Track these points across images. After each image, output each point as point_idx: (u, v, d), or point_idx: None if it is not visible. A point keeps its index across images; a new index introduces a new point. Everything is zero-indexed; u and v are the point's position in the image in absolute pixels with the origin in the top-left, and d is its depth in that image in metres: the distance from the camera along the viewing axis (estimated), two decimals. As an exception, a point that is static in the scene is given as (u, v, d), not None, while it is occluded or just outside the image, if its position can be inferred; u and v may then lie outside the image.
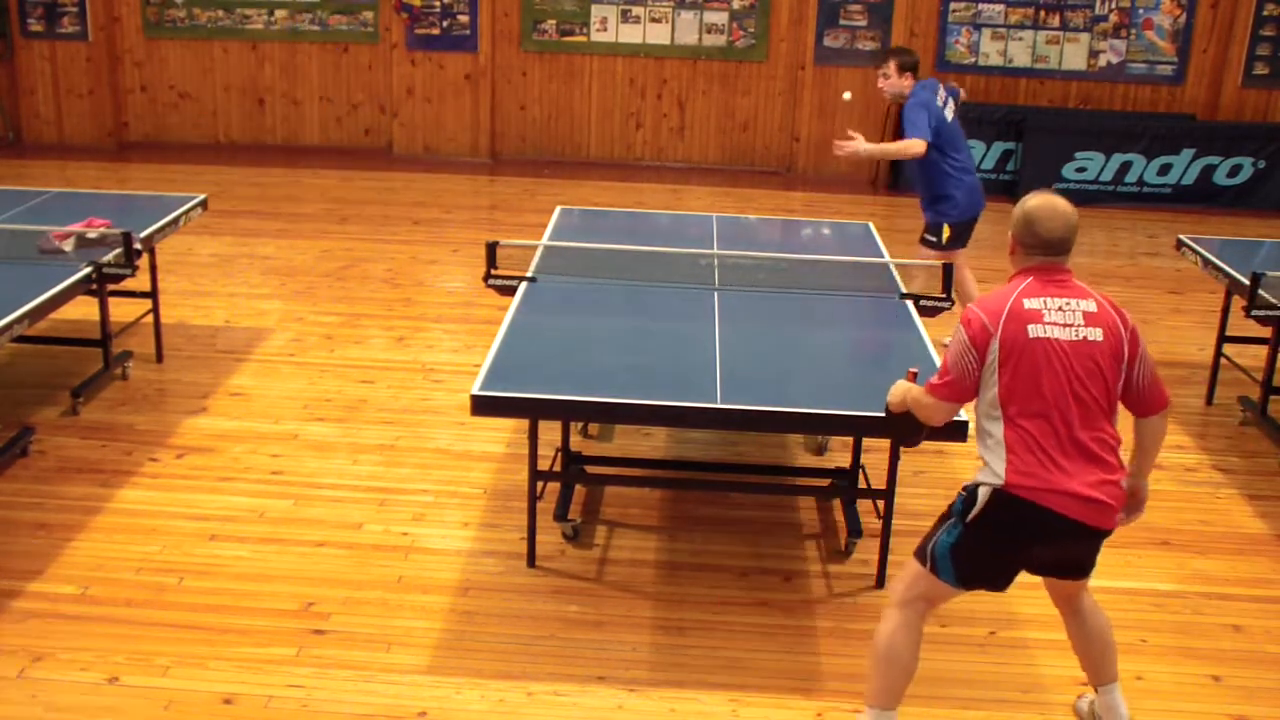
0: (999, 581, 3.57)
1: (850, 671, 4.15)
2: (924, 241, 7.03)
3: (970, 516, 3.41)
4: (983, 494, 3.39)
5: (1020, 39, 11.47)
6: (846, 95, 4.72)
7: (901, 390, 3.81)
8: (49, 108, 11.68)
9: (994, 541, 3.45)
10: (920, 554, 3.57)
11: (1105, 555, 4.98)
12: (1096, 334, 3.39)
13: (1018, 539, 3.43)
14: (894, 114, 10.93)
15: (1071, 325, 3.38)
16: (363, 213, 9.84)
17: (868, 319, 5.34)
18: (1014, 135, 11.11)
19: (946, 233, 6.94)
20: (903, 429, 3.90)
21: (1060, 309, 3.40)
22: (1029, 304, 3.40)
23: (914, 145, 6.61)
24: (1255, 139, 11.03)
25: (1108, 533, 3.46)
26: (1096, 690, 3.81)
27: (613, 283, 5.54)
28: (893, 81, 6.71)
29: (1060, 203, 3.48)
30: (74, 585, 4.45)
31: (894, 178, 11.36)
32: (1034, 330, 3.36)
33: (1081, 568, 3.58)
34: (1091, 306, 3.43)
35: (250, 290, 7.79)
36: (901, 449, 4.54)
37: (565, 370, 4.63)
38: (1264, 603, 4.70)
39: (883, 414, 3.93)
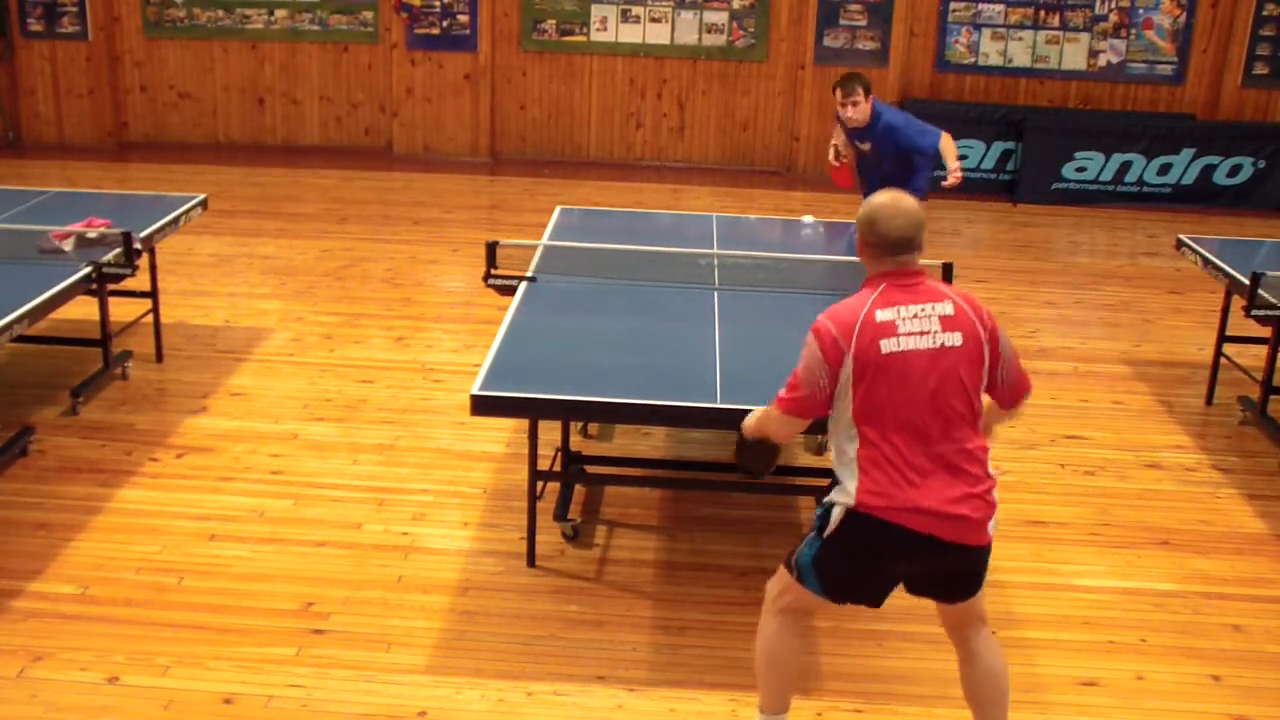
0: (867, 597, 3.43)
1: (850, 671, 4.15)
2: None
3: (826, 534, 3.32)
4: (836, 513, 3.29)
5: (1020, 39, 11.47)
6: (807, 219, 4.73)
7: (758, 414, 3.64)
8: (49, 108, 11.68)
9: (852, 558, 3.33)
10: (787, 563, 3.47)
11: (1105, 555, 5.01)
12: (955, 339, 3.26)
13: (877, 557, 3.31)
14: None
15: (928, 333, 3.24)
16: (363, 212, 9.84)
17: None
18: (1014, 135, 11.11)
19: None
20: (753, 456, 3.74)
21: (915, 316, 3.25)
22: (881, 315, 3.25)
23: (947, 139, 6.68)
24: (1255, 139, 11.03)
25: (980, 548, 3.30)
26: None
27: (613, 283, 5.54)
28: (862, 107, 6.57)
29: (905, 200, 3.41)
30: (74, 585, 4.45)
31: (894, 178, 11.37)
32: (887, 345, 3.22)
33: (958, 588, 3.40)
34: (948, 309, 3.29)
35: (250, 290, 7.79)
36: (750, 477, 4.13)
37: (565, 370, 4.63)
38: (1264, 603, 4.70)
39: (735, 440, 3.76)
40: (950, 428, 3.24)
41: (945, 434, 3.23)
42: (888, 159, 6.61)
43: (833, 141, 6.97)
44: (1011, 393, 3.44)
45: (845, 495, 3.27)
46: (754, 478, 4.04)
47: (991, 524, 3.29)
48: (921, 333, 3.24)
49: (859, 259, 3.49)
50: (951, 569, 3.36)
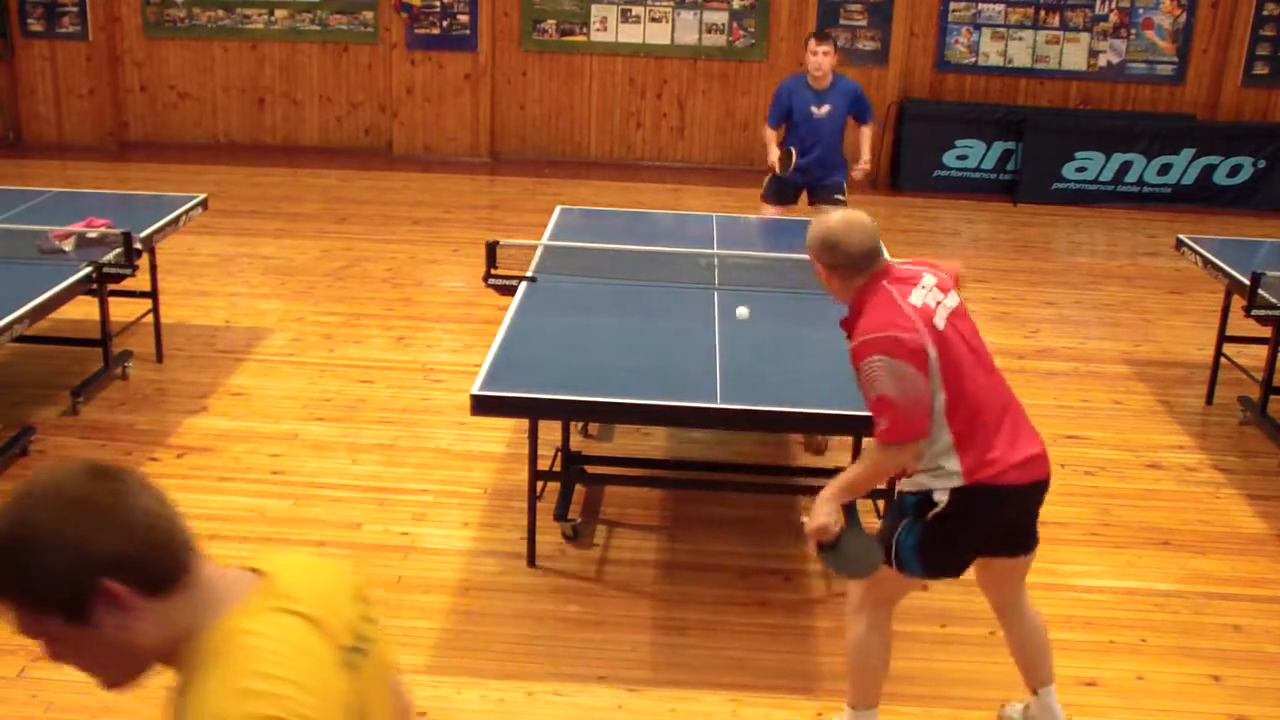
0: (962, 567, 3.52)
1: (850, 671, 4.15)
2: (840, 203, 7.23)
3: (932, 515, 3.33)
4: (941, 496, 3.30)
5: (1020, 39, 11.47)
6: (742, 311, 4.85)
7: (831, 493, 3.33)
8: (49, 108, 11.68)
9: (961, 531, 3.36)
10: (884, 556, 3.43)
11: (1105, 555, 5.01)
12: (953, 299, 3.37)
13: (984, 522, 3.38)
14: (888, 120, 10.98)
15: (941, 303, 3.32)
16: (363, 212, 9.84)
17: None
18: (1014, 135, 11.10)
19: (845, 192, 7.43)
20: (854, 554, 3.32)
21: (926, 290, 3.32)
22: (915, 300, 3.28)
23: (876, 128, 7.19)
24: (1255, 139, 11.03)
25: (1048, 480, 3.46)
26: (1035, 693, 3.75)
27: (613, 283, 5.54)
28: (832, 58, 7.10)
29: (854, 214, 3.41)
30: (74, 585, 4.44)
31: (894, 177, 11.37)
32: (939, 322, 3.28)
33: (1032, 530, 3.52)
34: (931, 278, 3.38)
35: (250, 290, 7.80)
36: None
37: (565, 370, 4.63)
38: (1264, 603, 4.70)
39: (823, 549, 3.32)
40: (990, 377, 3.36)
41: (990, 385, 3.35)
42: (833, 125, 7.13)
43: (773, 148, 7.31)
44: None
45: (948, 478, 3.29)
46: (864, 574, 3.45)
47: None
48: (938, 303, 3.31)
49: (827, 289, 3.46)
50: (1034, 511, 3.49)
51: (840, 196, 7.24)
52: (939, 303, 3.31)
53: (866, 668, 3.58)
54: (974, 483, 3.28)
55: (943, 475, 3.30)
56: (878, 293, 3.32)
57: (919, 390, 3.19)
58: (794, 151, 7.13)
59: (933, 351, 3.23)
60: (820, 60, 7.03)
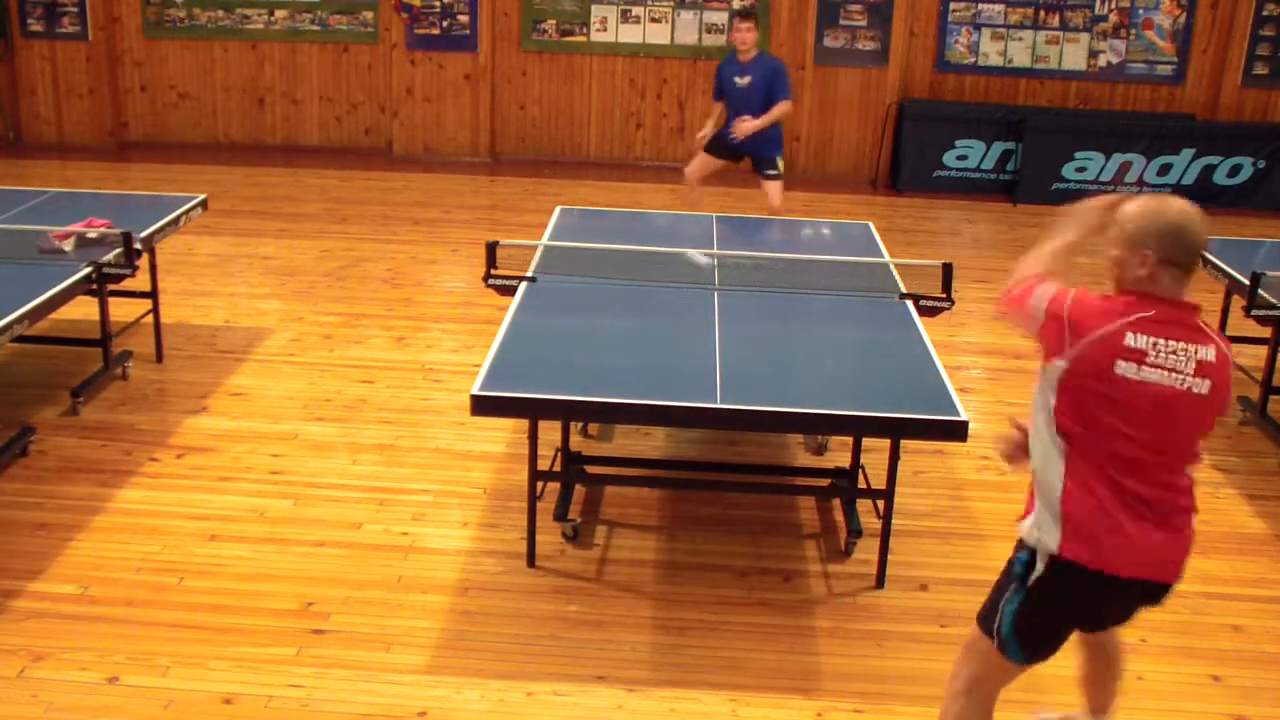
0: (1058, 647, 3.20)
1: (850, 671, 4.15)
2: (770, 176, 8.21)
3: (1033, 580, 3.06)
4: (1042, 560, 3.03)
5: (1020, 39, 11.47)
6: (698, 256, 5.06)
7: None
8: (49, 108, 11.68)
9: (1058, 609, 3.09)
10: (986, 629, 3.18)
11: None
12: (1204, 387, 2.91)
13: (1080, 606, 3.10)
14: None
15: (1179, 373, 2.89)
16: (363, 213, 9.84)
17: (868, 319, 5.34)
18: (1014, 135, 11.11)
19: (781, 164, 8.29)
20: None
21: (1174, 353, 2.89)
22: (1134, 341, 2.89)
23: (789, 105, 8.02)
24: (1255, 139, 11.04)
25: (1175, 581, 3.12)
26: (1092, 715, 3.65)
27: (613, 283, 5.54)
28: (754, 34, 8.00)
29: (1191, 206, 3.00)
30: (74, 585, 4.45)
31: (894, 177, 11.37)
32: (1124, 369, 2.88)
33: (1130, 616, 3.27)
34: (1210, 355, 2.93)
35: (250, 290, 7.80)
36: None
37: (565, 370, 4.63)
38: (1264, 603, 4.70)
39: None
40: (1166, 471, 2.98)
41: (1160, 474, 2.97)
42: (758, 97, 7.92)
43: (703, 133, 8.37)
44: None
45: (1050, 536, 3.00)
46: None
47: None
48: (1172, 370, 2.90)
49: (1134, 275, 2.97)
50: (1147, 604, 3.17)
51: (771, 171, 8.18)
52: (1173, 370, 2.89)
53: None
54: (1069, 558, 2.98)
55: (1047, 529, 3.02)
56: (1127, 298, 2.97)
57: (1040, 324, 2.99)
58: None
59: (1067, 357, 2.92)
60: (744, 35, 7.98)
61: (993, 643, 3.14)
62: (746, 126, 7.90)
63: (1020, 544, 3.13)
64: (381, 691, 3.94)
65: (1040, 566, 3.03)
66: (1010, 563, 3.15)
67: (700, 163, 8.42)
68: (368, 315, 7.42)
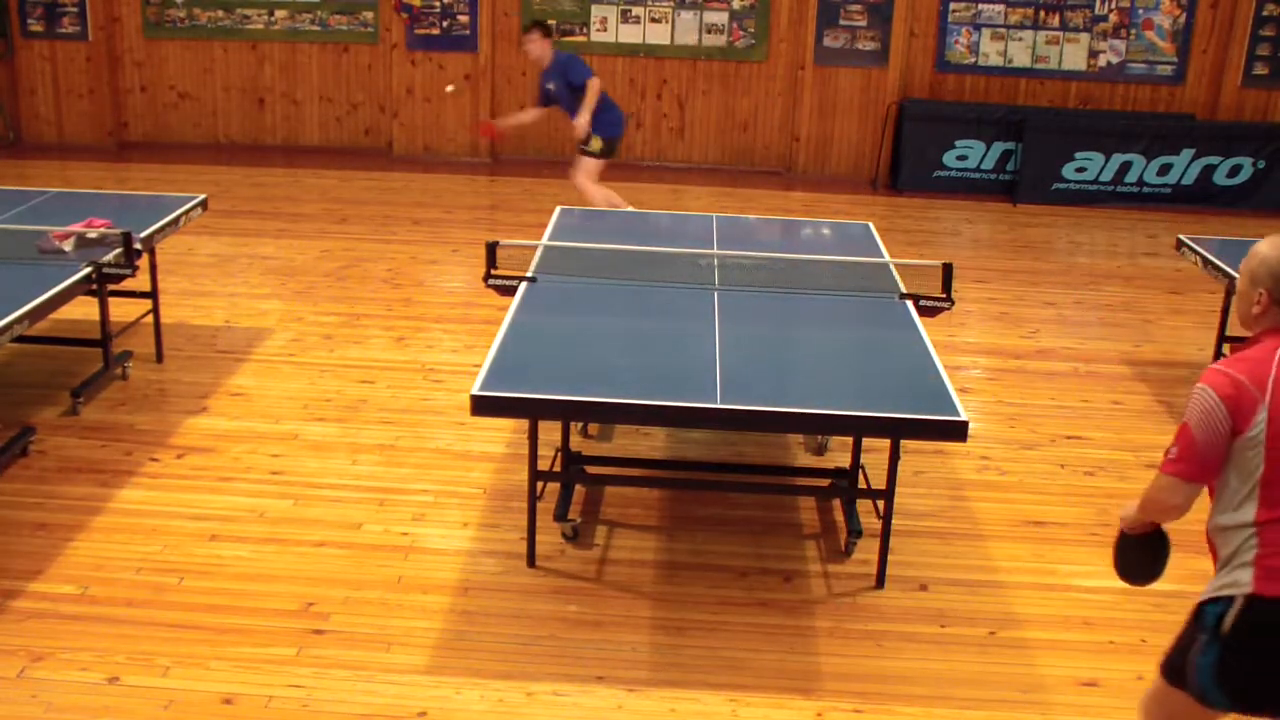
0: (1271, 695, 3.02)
1: (850, 671, 4.15)
2: (583, 153, 8.88)
3: (1227, 627, 2.94)
4: (1234, 605, 2.94)
5: (1020, 39, 11.47)
6: (450, 88, 5.66)
7: (1140, 499, 3.23)
8: (49, 108, 11.68)
9: (1262, 655, 2.95)
10: (1176, 679, 3.08)
11: (1105, 555, 4.97)
12: None
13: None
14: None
15: None
16: (363, 213, 9.84)
17: (868, 319, 5.34)
18: (1014, 135, 11.11)
19: (598, 144, 8.85)
20: (1135, 557, 3.36)
21: None
22: None
23: (594, 82, 8.61)
24: (1255, 139, 11.04)
25: None
26: None
27: (613, 283, 5.54)
28: (538, 44, 8.67)
29: None
30: (74, 585, 4.45)
31: (894, 177, 11.38)
32: None
33: None
34: None
35: (250, 290, 7.80)
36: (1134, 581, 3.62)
37: (565, 370, 4.63)
38: (1264, 603, 4.69)
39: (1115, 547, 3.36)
40: None
41: None
42: (564, 94, 8.65)
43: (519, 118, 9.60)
44: None
45: (1241, 578, 2.93)
46: (1139, 583, 3.54)
47: None
48: None
49: (1251, 316, 3.03)
50: None
51: (584, 147, 8.89)
52: None
53: None
54: (1264, 594, 2.88)
55: (1238, 570, 2.94)
56: (1266, 340, 2.99)
57: (1219, 437, 2.93)
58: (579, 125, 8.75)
59: (1264, 412, 2.87)
60: (530, 49, 8.77)
61: (1187, 694, 3.05)
62: (581, 125, 8.60)
63: (1202, 604, 3.05)
64: (381, 692, 3.94)
65: (1233, 614, 2.94)
66: (1196, 614, 3.07)
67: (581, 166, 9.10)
68: (368, 315, 7.42)
